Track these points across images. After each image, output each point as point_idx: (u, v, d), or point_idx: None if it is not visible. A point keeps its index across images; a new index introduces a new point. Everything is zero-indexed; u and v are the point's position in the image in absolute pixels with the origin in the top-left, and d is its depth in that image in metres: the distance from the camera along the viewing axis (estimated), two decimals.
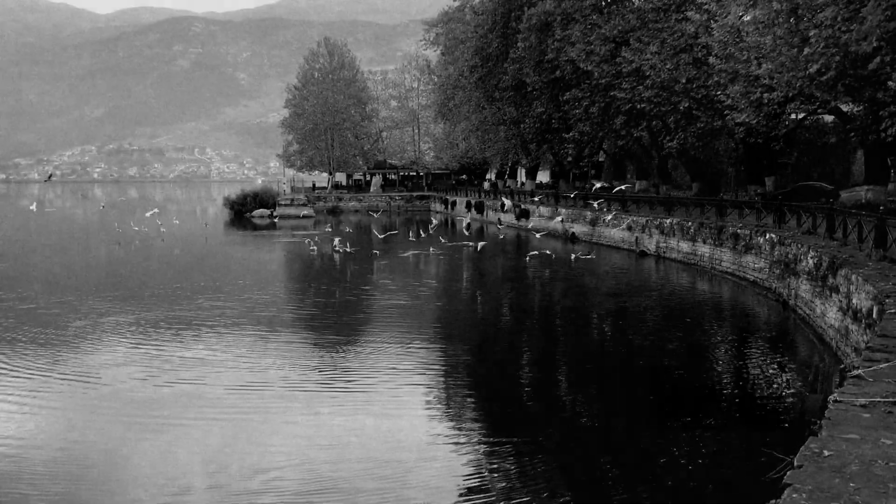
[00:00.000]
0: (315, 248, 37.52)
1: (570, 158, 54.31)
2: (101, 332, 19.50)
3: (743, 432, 12.50)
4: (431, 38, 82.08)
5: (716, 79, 33.29)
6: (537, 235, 41.71)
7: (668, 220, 36.26)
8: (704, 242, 32.32)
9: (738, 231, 29.21)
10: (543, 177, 78.76)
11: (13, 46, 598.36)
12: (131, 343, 18.33)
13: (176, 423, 12.57)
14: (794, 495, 4.39)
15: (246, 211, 73.32)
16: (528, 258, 33.09)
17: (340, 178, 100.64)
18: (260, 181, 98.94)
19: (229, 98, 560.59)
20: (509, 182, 79.97)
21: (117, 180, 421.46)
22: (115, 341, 18.50)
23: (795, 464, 4.87)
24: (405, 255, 35.64)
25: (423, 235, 39.49)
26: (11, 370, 15.66)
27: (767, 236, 26.38)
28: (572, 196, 51.52)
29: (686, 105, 36.93)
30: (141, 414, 13.03)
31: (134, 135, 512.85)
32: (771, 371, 16.52)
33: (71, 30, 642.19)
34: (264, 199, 75.16)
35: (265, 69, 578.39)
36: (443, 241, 37.82)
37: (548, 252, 36.12)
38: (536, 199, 54.81)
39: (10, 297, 24.43)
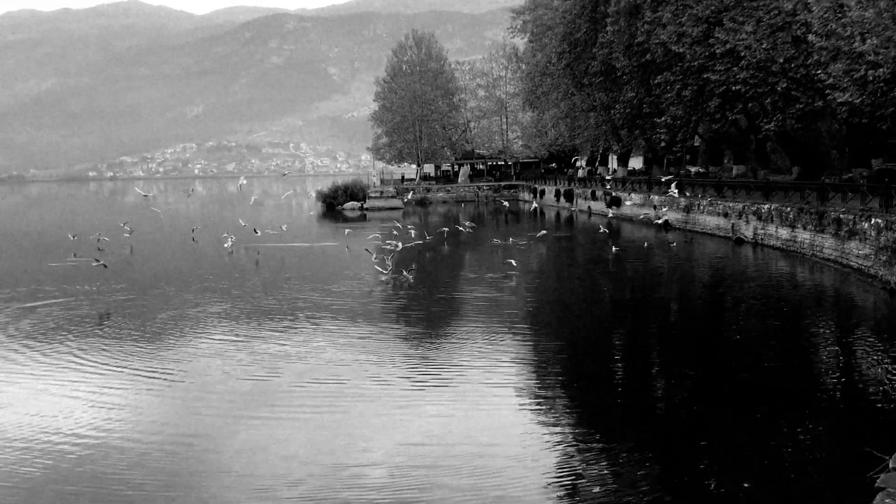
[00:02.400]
0: (230, 243, 34.33)
1: (662, 144, 52.94)
2: (188, 325, 20.05)
3: (845, 429, 11.86)
4: (519, 26, 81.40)
5: (816, 57, 31.81)
6: (623, 220, 40.91)
7: (765, 206, 34.90)
8: (805, 228, 30.96)
9: (841, 216, 27.82)
10: (636, 163, 77.18)
11: (117, 49, 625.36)
12: (218, 335, 18.75)
13: (265, 417, 12.71)
14: (886, 500, 4.05)
15: (337, 204, 74.61)
16: (613, 249, 32.27)
17: (429, 169, 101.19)
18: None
19: (322, 93, 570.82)
20: (600, 169, 78.64)
21: (217, 176, 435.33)
22: (202, 334, 18.96)
23: (891, 466, 4.50)
24: (492, 242, 35.53)
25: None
26: (104, 362, 16.23)
27: (873, 221, 25.02)
28: (664, 182, 50.24)
29: (784, 86, 35.43)
30: (229, 407, 13.24)
31: (232, 131, 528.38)
32: (877, 364, 15.64)
33: (170, 31, 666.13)
34: (354, 192, 76.26)
35: (356, 63, 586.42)
36: (540, 234, 37.44)
37: (606, 239, 35.33)
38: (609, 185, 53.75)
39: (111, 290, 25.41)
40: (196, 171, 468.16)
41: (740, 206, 37.27)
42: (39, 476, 10.42)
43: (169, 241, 41.78)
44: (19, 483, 10.20)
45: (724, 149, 60.69)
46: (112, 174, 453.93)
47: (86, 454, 11.16)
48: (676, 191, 38.60)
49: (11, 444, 11.54)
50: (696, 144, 63.77)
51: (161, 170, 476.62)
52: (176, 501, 9.70)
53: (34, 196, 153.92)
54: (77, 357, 16.68)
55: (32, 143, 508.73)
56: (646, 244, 35.30)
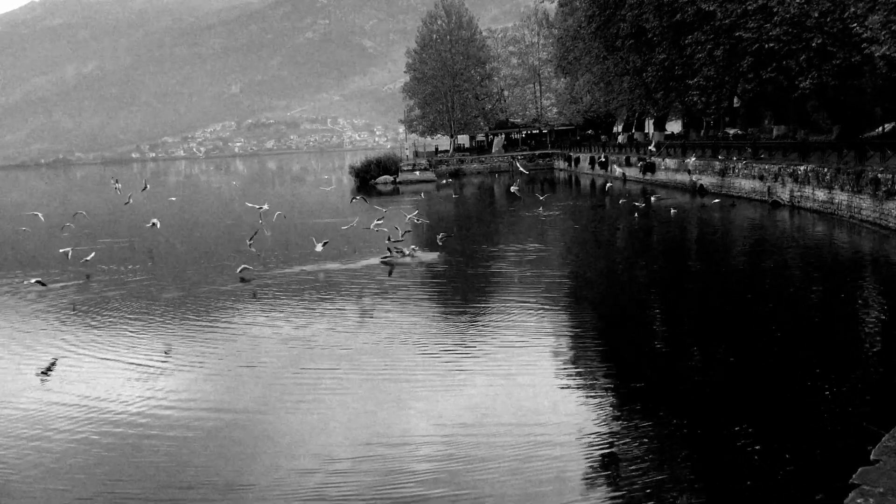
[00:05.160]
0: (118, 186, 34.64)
1: (699, 106, 51.58)
2: (233, 299, 20.38)
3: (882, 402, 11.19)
4: None
5: (852, 10, 30.52)
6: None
7: (802, 167, 33.76)
8: (842, 189, 29.86)
9: (879, 175, 26.72)
10: (675, 127, 75.50)
11: (155, 29, 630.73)
12: (260, 311, 18.84)
13: (306, 397, 12.62)
14: (858, 500, 3.59)
15: (370, 178, 74.20)
16: (636, 217, 31.54)
17: (463, 140, 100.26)
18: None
19: (358, 67, 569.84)
20: (636, 134, 77.07)
21: (257, 153, 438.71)
22: (248, 308, 19.05)
23: (872, 457, 4.03)
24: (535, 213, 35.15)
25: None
26: (159, 341, 16.45)
27: None
28: (698, 145, 49.07)
29: (819, 41, 34.11)
30: (270, 389, 13.17)
31: (270, 108, 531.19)
32: None
33: (206, 9, 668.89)
34: (387, 166, 75.72)
35: (391, 35, 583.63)
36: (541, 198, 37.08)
37: (637, 201, 34.47)
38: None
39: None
40: (236, 150, 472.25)
41: (776, 168, 36.13)
42: (98, 449, 10.71)
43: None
44: (77, 457, 10.51)
45: (763, 109, 58.92)
46: (154, 155, 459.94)
47: (142, 431, 11.36)
48: (654, 149, 38.64)
49: (68, 419, 11.89)
50: (735, 105, 62.09)
51: (202, 149, 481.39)
52: (220, 477, 9.77)
53: (84, 177, 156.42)
54: (135, 333, 17.13)
55: (76, 126, 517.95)
56: (672, 211, 34.49)
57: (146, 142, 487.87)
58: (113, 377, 14.00)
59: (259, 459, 10.25)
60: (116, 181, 34.77)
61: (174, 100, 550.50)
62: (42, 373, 14.66)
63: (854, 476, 3.83)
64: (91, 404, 12.51)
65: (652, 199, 39.51)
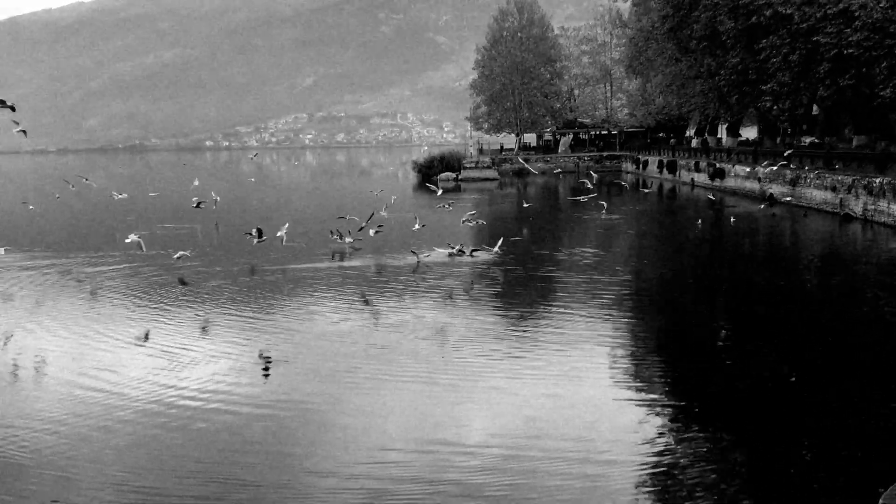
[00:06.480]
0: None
1: (773, 112, 49.92)
2: (283, 291, 20.61)
3: None
4: None
5: None
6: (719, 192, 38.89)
7: (877, 180, 32.31)
8: None
9: None
10: (751, 133, 73.52)
11: (232, 22, 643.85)
12: (308, 304, 18.93)
13: (361, 395, 12.52)
14: None
15: (433, 174, 74.13)
16: (699, 224, 30.82)
17: (530, 138, 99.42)
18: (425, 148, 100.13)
19: (429, 63, 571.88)
20: (709, 139, 75.20)
21: (327, 146, 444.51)
22: (297, 307, 18.93)
23: (881, 501, 3.59)
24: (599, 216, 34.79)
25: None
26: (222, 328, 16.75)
27: None
28: (770, 153, 47.50)
29: None
30: (324, 385, 13.12)
31: (341, 102, 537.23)
32: None
33: (283, 2, 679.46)
34: (450, 163, 75.61)
35: (464, 32, 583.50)
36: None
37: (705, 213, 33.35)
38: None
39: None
40: (307, 141, 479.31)
41: (850, 179, 34.68)
42: (127, 441, 10.75)
43: None
44: (111, 444, 10.59)
45: (843, 118, 56.74)
46: (227, 144, 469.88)
47: (173, 420, 11.44)
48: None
49: (101, 407, 12.01)
50: (814, 113, 60.00)
51: (273, 139, 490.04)
52: (272, 468, 9.78)
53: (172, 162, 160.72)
54: (173, 321, 17.37)
55: (153, 113, 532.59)
56: (732, 219, 33.51)
57: (220, 130, 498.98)
58: (149, 365, 14.05)
59: (301, 456, 10.16)
60: (114, 193, 36.15)
61: (249, 90, 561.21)
62: (78, 357, 14.86)
63: None
64: (121, 392, 12.59)
65: (711, 195, 38.58)
